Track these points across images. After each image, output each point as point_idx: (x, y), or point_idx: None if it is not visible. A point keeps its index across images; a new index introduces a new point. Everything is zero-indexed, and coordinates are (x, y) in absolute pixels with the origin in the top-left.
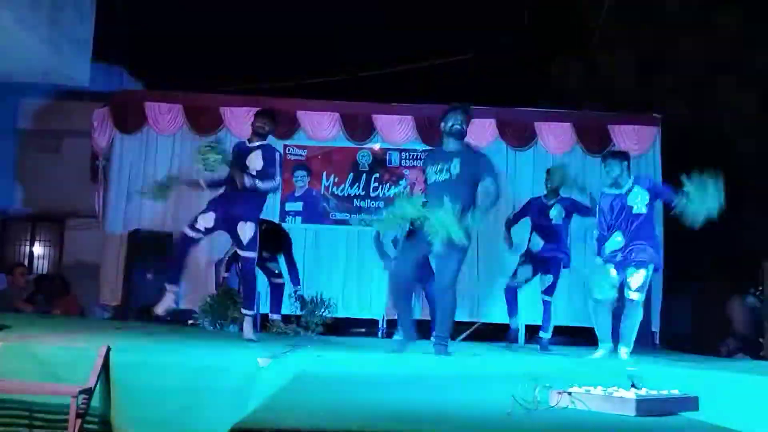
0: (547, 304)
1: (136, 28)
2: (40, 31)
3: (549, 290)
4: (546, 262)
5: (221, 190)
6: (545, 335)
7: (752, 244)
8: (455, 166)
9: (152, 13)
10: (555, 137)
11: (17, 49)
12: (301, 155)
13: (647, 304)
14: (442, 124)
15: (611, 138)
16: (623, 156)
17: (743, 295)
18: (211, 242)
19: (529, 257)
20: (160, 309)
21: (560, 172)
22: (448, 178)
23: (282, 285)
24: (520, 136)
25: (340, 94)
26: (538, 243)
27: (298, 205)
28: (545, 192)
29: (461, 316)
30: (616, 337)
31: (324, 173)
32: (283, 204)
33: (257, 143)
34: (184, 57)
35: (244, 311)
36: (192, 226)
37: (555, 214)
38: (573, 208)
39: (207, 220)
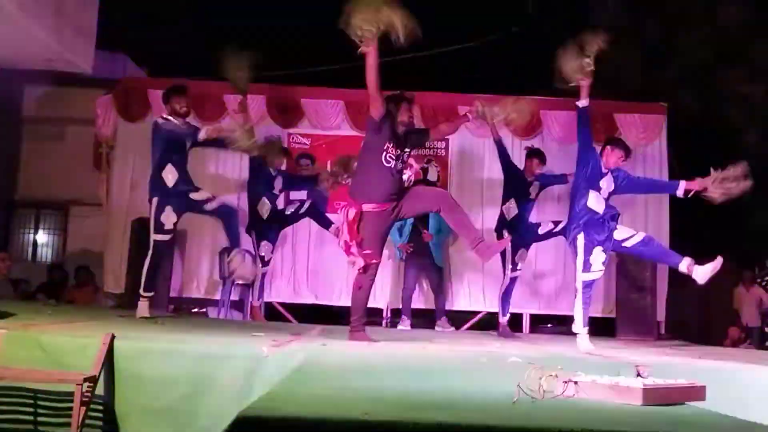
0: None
1: (139, 15)
2: (44, 18)
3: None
4: (529, 230)
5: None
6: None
7: (759, 233)
8: (407, 155)
9: (155, 1)
10: (561, 126)
11: (21, 36)
12: (305, 144)
13: (652, 293)
14: (402, 116)
15: (617, 127)
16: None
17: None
18: (215, 231)
19: (514, 237)
20: (143, 314)
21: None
22: (401, 169)
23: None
24: (525, 125)
25: (345, 82)
26: (513, 209)
27: (303, 194)
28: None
29: (466, 306)
30: None
31: (328, 162)
32: (287, 192)
33: (188, 122)
34: (187, 44)
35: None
36: (161, 230)
37: (533, 192)
38: (547, 181)
39: (170, 217)
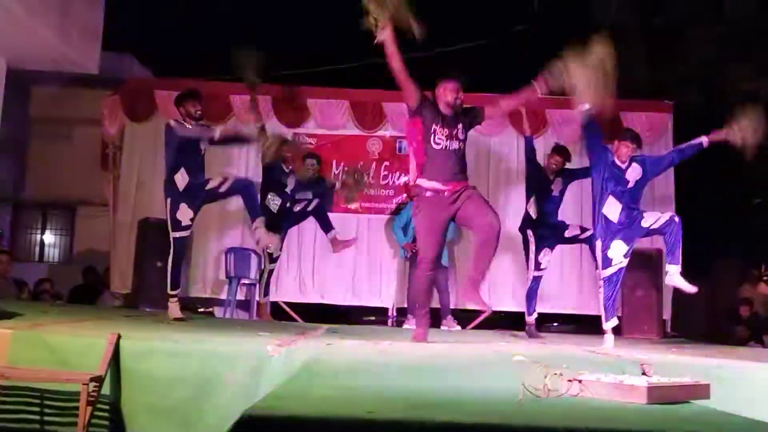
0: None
1: (145, 15)
2: (50, 19)
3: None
4: (555, 231)
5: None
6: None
7: (765, 231)
8: (462, 132)
9: (161, 1)
10: (567, 124)
11: (27, 37)
12: (311, 143)
13: (658, 290)
14: (446, 97)
15: (623, 125)
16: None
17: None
18: (220, 231)
19: (540, 236)
20: (175, 315)
21: None
22: (458, 147)
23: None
24: (531, 124)
25: (350, 81)
26: (534, 210)
27: (308, 194)
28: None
29: (472, 305)
30: None
31: (334, 162)
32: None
33: (202, 124)
34: (193, 44)
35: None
36: (179, 228)
37: (555, 188)
38: (571, 177)
39: (186, 213)
